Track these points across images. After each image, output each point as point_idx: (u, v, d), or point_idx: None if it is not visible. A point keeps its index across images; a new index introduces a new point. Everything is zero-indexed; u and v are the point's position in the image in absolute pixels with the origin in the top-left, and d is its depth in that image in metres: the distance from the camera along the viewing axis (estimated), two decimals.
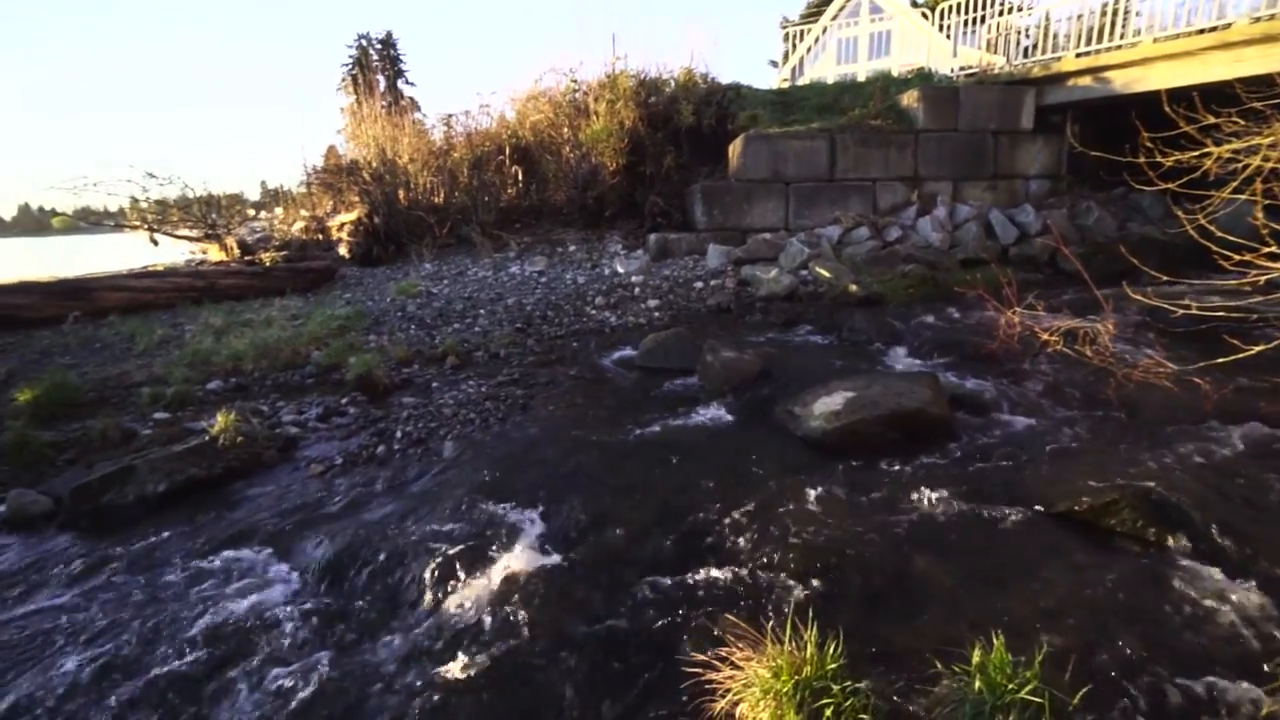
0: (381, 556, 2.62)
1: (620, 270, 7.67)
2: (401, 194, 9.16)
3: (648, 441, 3.55)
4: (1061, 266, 7.03)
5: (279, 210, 15.98)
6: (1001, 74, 9.20)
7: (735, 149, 8.65)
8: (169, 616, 2.34)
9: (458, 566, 2.50)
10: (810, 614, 1.76)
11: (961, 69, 10.20)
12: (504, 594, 2.35)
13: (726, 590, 2.29)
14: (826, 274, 6.96)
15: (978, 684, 1.47)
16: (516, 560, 2.54)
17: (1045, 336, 3.47)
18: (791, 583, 2.27)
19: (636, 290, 6.89)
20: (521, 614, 2.25)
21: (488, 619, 2.25)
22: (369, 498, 3.09)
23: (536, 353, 5.17)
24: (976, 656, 1.54)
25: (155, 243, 9.02)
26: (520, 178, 10.01)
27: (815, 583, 2.26)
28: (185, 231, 9.32)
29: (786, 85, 13.80)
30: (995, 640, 1.56)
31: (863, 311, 6.04)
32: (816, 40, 15.85)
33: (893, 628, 2.07)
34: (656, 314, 6.26)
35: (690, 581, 2.36)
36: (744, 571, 2.37)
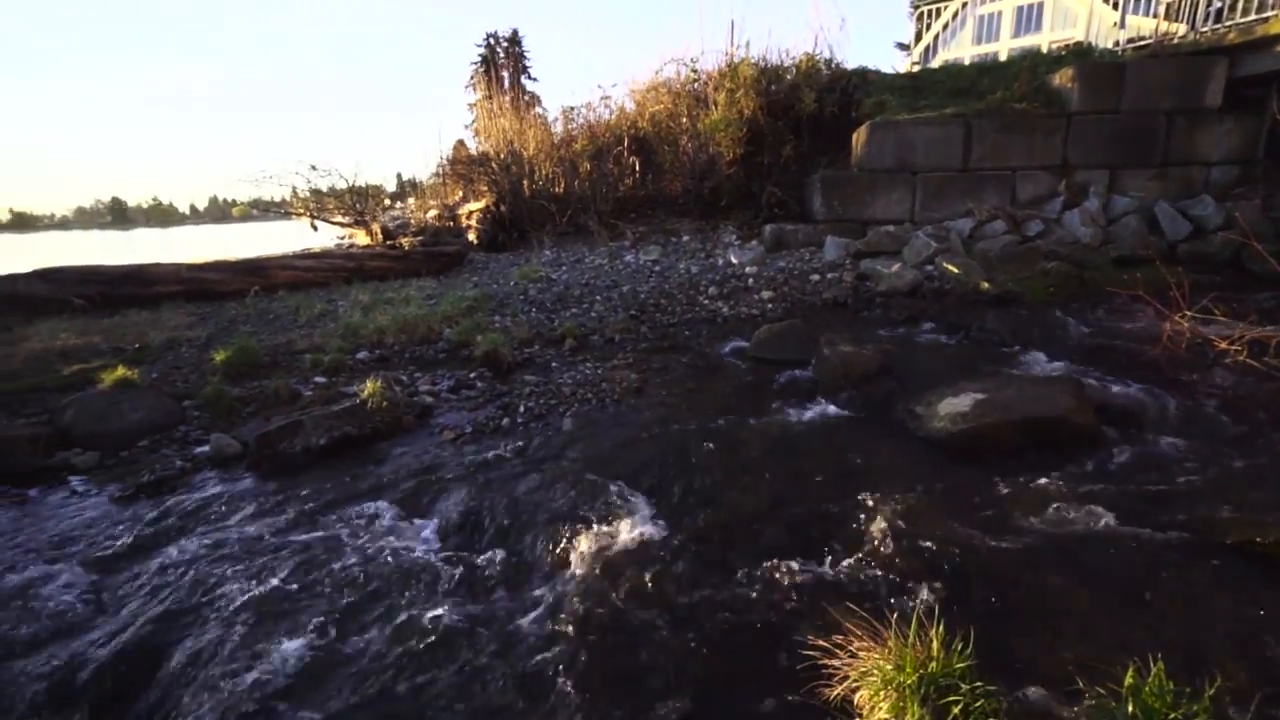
0: (507, 517, 2.83)
1: (734, 261, 7.62)
2: (526, 184, 9.65)
3: (760, 431, 3.54)
4: (1248, 267, 6.12)
5: (411, 200, 17.32)
6: (1183, 43, 8.09)
7: (859, 137, 8.29)
8: (324, 550, 2.67)
9: (575, 533, 2.64)
10: (934, 615, 1.71)
11: (1129, 41, 9.10)
12: (617, 563, 2.47)
13: (841, 582, 2.26)
14: (955, 270, 6.52)
15: (1131, 708, 1.36)
16: (629, 533, 2.65)
17: (1223, 345, 3.07)
18: (912, 583, 2.20)
19: (750, 281, 6.83)
20: (633, 583, 2.35)
21: (602, 585, 2.37)
22: (495, 464, 3.33)
23: (650, 339, 5.29)
24: (1129, 679, 1.42)
25: (315, 228, 10.14)
26: (637, 168, 10.19)
27: (938, 585, 2.17)
28: (339, 219, 10.40)
29: (917, 69, 12.98)
30: (1154, 665, 1.43)
31: (995, 311, 5.62)
32: (954, 18, 14.76)
33: (1025, 640, 1.95)
34: (770, 306, 6.18)
35: (802, 570, 2.34)
36: (860, 566, 2.32)
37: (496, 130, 10.73)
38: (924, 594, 2.13)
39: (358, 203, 10.25)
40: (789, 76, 9.90)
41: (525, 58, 36.70)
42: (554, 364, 4.77)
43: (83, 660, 2.13)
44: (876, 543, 2.44)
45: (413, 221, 10.59)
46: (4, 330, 5.90)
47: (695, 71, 10.54)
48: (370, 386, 3.98)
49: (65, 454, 3.69)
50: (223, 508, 3.10)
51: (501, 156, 9.82)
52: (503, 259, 8.74)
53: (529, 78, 35.90)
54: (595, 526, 2.68)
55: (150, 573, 2.63)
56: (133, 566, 2.69)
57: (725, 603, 2.23)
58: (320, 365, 4.86)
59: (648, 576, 2.39)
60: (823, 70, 9.94)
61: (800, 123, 9.23)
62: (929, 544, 2.40)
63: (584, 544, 2.58)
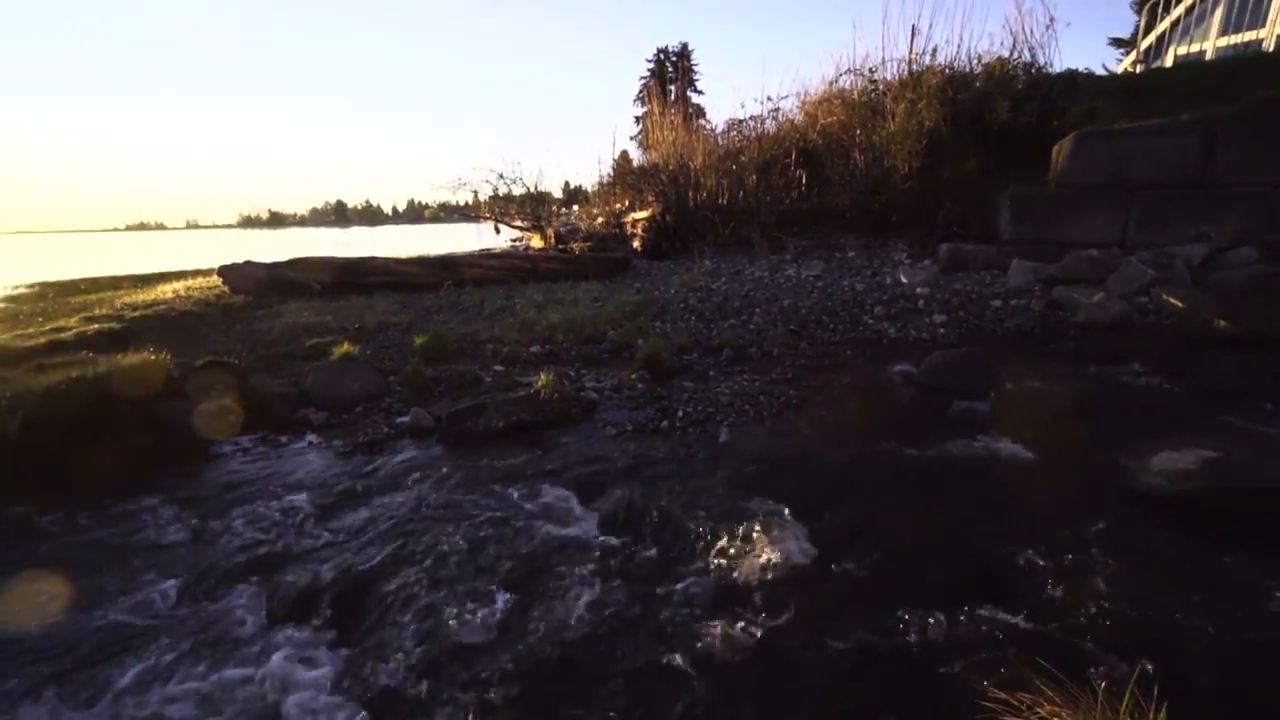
0: (662, 517, 2.94)
1: (904, 280, 7.21)
2: (691, 194, 9.89)
3: (928, 464, 3.34)
4: None
5: (575, 207, 18.42)
6: None
7: (1062, 149, 7.44)
8: (501, 520, 2.96)
9: (727, 543, 2.68)
10: (1148, 691, 1.51)
11: None
12: (766, 579, 2.46)
13: (1023, 637, 2.07)
14: (1177, 303, 5.61)
15: None
16: (781, 551, 2.63)
17: None
18: (1117, 653, 1.95)
19: (921, 303, 6.41)
20: (781, 603, 2.33)
21: (751, 597, 2.38)
22: (654, 463, 3.48)
23: (809, 356, 5.19)
24: None
25: (498, 231, 11.22)
26: (804, 181, 10.01)
27: (1151, 660, 1.91)
28: (518, 223, 11.41)
29: (1139, 69, 11.33)
30: None
31: (1229, 355, 4.75)
32: (1192, 7, 12.66)
33: None
34: (942, 330, 5.76)
35: (975, 617, 2.18)
36: (1048, 623, 2.11)
37: (666, 143, 11.12)
38: (1132, 666, 1.89)
39: (536, 209, 11.19)
40: (978, 84, 9.16)
41: (694, 71, 37.49)
42: (711, 372, 4.86)
43: (317, 575, 2.58)
44: (1071, 600, 2.20)
45: (582, 227, 11.34)
46: (267, 306, 7.27)
47: (873, 81, 10.12)
48: (543, 379, 4.34)
49: (305, 411, 4.46)
50: (418, 472, 3.56)
51: (670, 168, 10.16)
52: (665, 267, 9.03)
53: (695, 90, 36.61)
54: (747, 540, 2.70)
55: (363, 517, 3.11)
56: (351, 509, 3.19)
57: (883, 640, 2.14)
58: (499, 355, 5.38)
59: (796, 597, 2.36)
60: (1019, 75, 9.07)
61: (988, 134, 8.50)
62: (1140, 612, 2.12)
63: (734, 555, 2.62)
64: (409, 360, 5.21)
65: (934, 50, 9.71)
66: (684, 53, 37.82)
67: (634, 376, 4.81)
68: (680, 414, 4.05)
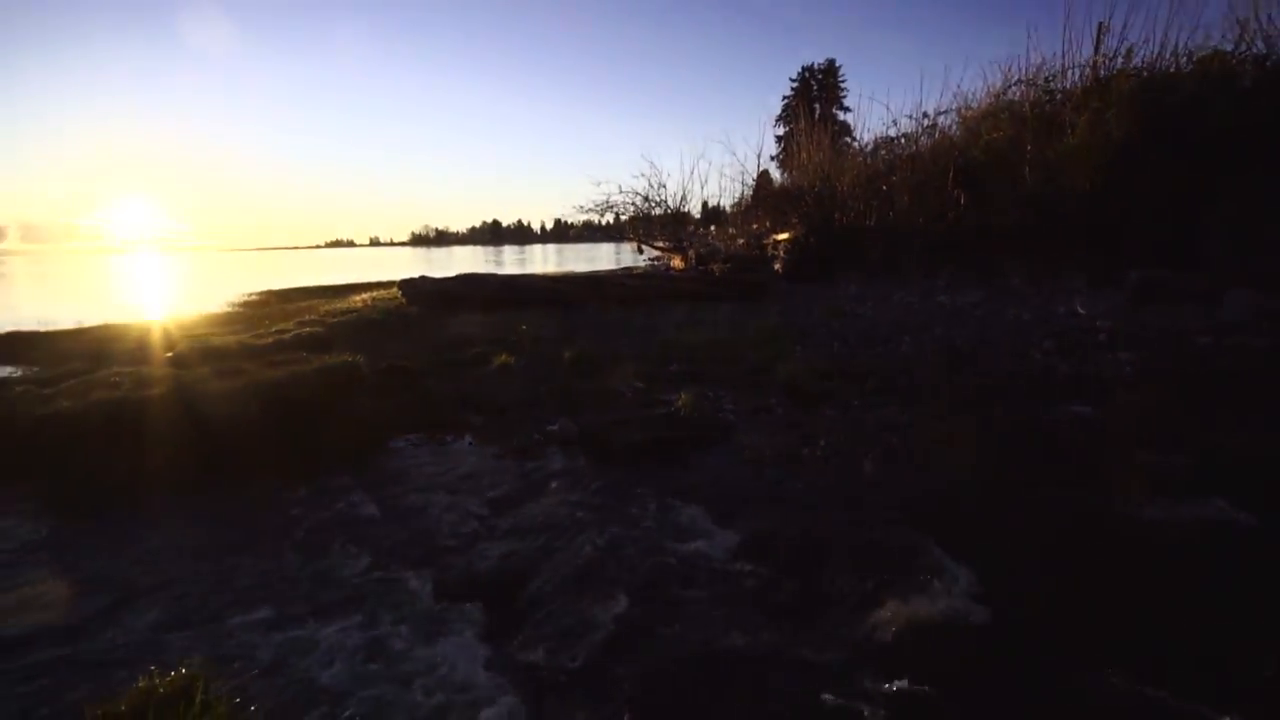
0: (802, 548, 2.89)
1: (1081, 310, 6.46)
2: (837, 216, 9.62)
3: (1113, 523, 2.96)
4: None
5: (713, 228, 18.53)
6: None
7: None
8: (640, 532, 3.07)
9: (875, 584, 2.56)
10: None
11: None
12: (923, 631, 2.31)
13: None
14: None
15: None
16: (940, 602, 2.47)
17: None
18: None
19: (1102, 336, 5.71)
20: (943, 661, 2.17)
21: (903, 650, 2.24)
22: (793, 492, 3.43)
23: (964, 390, 4.82)
24: None
25: (640, 251, 11.65)
26: (962, 201, 9.33)
27: None
28: (660, 244, 11.78)
29: None
30: None
31: None
32: None
33: None
34: (1129, 368, 5.08)
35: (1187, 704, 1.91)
36: None
37: (810, 163, 10.92)
38: None
39: (677, 230, 11.49)
40: (1186, 85, 8.01)
41: (840, 87, 36.42)
42: (855, 402, 4.68)
43: (477, 562, 2.85)
44: None
45: (722, 248, 11.44)
46: (437, 317, 8.17)
47: (1049, 92, 9.24)
48: (684, 398, 4.45)
49: (466, 414, 4.94)
50: (565, 479, 3.80)
51: (814, 189, 9.97)
52: (807, 290, 8.86)
53: (842, 108, 35.51)
54: (899, 582, 2.58)
55: (516, 515, 3.38)
56: (507, 507, 3.48)
57: (1069, 713, 1.94)
58: (641, 372, 5.59)
59: (962, 658, 2.19)
60: (1246, 71, 7.81)
61: (1196, 144, 7.39)
62: None
63: (884, 598, 2.50)
64: (558, 372, 5.58)
65: (1128, 51, 8.67)
66: (831, 69, 36.86)
67: (773, 401, 4.77)
68: (821, 443, 3.96)
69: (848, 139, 15.12)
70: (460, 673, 2.22)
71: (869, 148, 11.76)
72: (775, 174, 17.73)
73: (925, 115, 11.03)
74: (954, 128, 10.63)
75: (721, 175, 15.38)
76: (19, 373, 7.08)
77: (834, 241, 9.20)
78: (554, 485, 3.73)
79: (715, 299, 8.43)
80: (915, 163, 9.98)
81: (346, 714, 1.99)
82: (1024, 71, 9.75)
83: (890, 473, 3.54)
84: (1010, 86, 9.84)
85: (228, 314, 11.91)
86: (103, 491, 3.82)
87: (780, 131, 31.15)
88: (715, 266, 9.73)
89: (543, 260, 37.77)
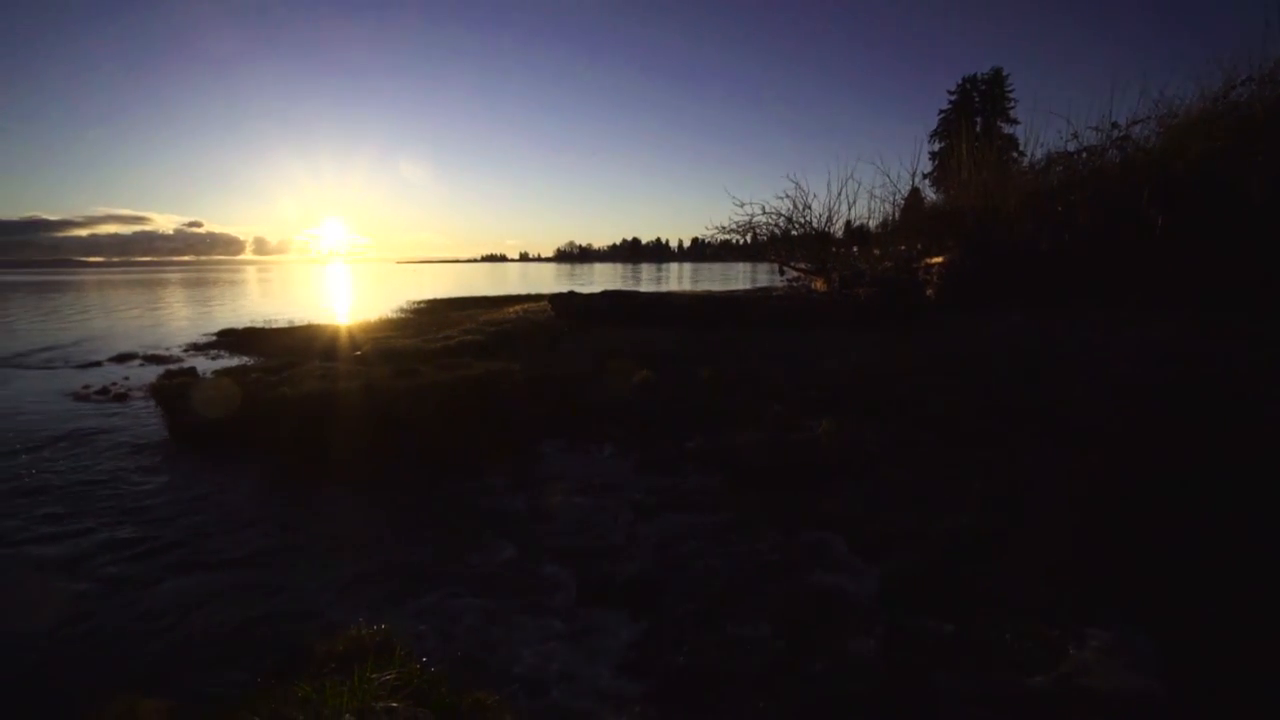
0: (952, 592, 2.71)
1: None
2: (1003, 238, 8.86)
3: None
4: None
5: (856, 249, 17.66)
6: None
7: None
8: (772, 558, 3.05)
9: (1038, 647, 2.36)
10: None
11: None
12: (1087, 697, 2.10)
13: None
14: None
15: None
16: (1111, 677, 2.21)
17: None
18: None
19: None
20: None
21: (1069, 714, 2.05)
22: (944, 534, 3.21)
23: (1166, 438, 4.21)
24: None
25: (781, 272, 11.49)
26: (1160, 223, 8.18)
27: None
28: (801, 265, 11.54)
29: None
30: None
31: None
32: None
33: None
34: None
35: None
36: None
37: (972, 183, 10.16)
38: None
39: (820, 251, 11.18)
40: None
41: (1008, 98, 33.40)
42: (1015, 444, 4.28)
43: (616, 565, 3.00)
44: None
45: (866, 271, 10.94)
46: (583, 330, 8.66)
47: None
48: (824, 425, 4.35)
49: (609, 425, 5.19)
50: (702, 496, 3.87)
51: (975, 209, 9.26)
52: (963, 319, 8.23)
53: (1008, 120, 32.55)
54: (1069, 646, 2.35)
55: (653, 525, 3.50)
56: (645, 516, 3.61)
57: None
58: (779, 394, 5.54)
59: None
60: None
61: None
62: None
63: (1053, 662, 2.30)
64: (697, 391, 5.68)
65: None
66: (997, 78, 33.91)
67: (922, 436, 4.51)
68: (975, 485, 3.67)
69: (1015, 154, 13.87)
70: (602, 671, 2.36)
71: (1040, 164, 10.71)
72: (929, 194, 16.67)
73: (1115, 126, 9.84)
74: (1152, 139, 9.37)
75: (871, 195, 14.49)
76: (251, 361, 8.58)
77: (996, 266, 8.45)
78: (691, 501, 3.81)
79: (860, 324, 8.10)
80: (1099, 180, 8.91)
81: (509, 683, 2.20)
82: (1255, 69, 8.37)
83: (1050, 524, 3.21)
84: (1235, 87, 8.49)
85: (400, 319, 13.50)
86: (311, 464, 4.54)
87: (935, 148, 29.24)
88: (861, 290, 9.34)
89: (679, 278, 38.42)
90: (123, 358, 9.69)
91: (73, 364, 9.24)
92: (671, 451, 4.56)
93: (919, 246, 11.22)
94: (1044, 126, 24.40)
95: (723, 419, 5.14)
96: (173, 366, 8.06)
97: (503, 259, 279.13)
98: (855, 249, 16.73)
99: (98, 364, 9.18)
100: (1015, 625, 2.46)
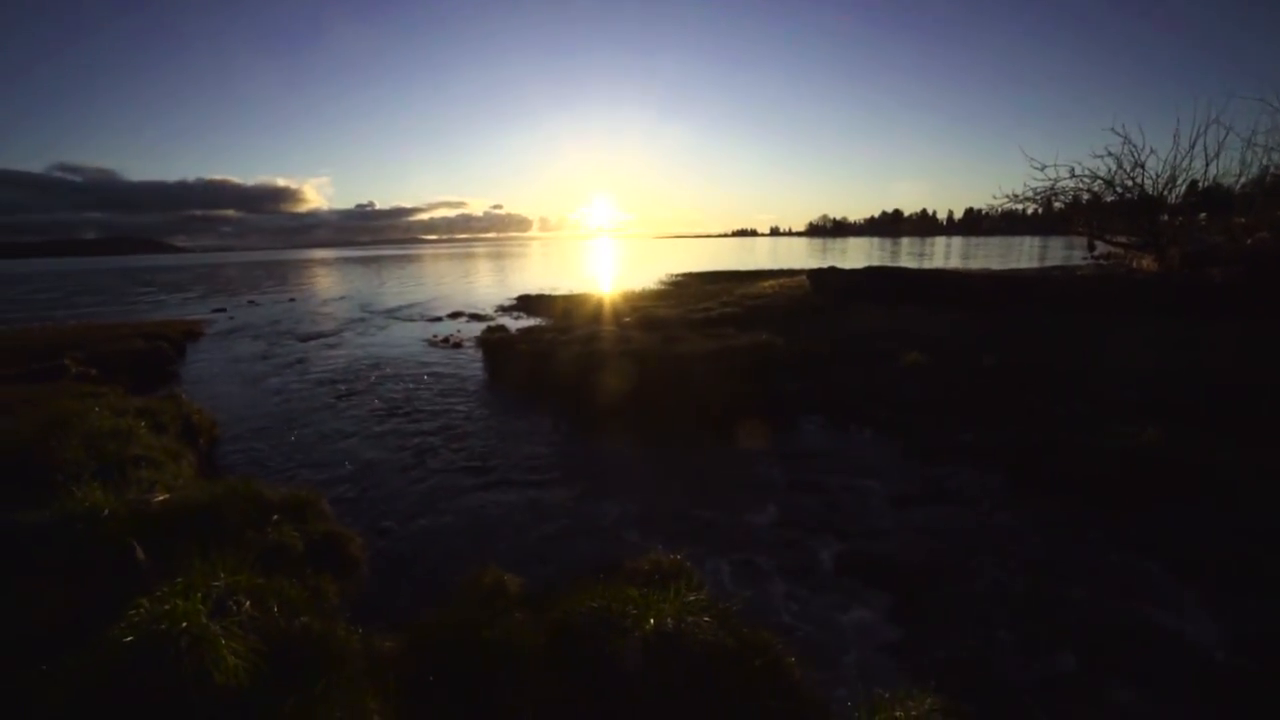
0: None
1: None
2: None
3: None
4: None
5: (1202, 216, 13.45)
6: None
7: None
8: (1063, 576, 2.69)
9: None
10: None
11: None
12: None
13: None
14: None
15: None
16: None
17: None
18: None
19: None
20: None
21: None
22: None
23: None
24: None
25: (1093, 247, 9.53)
26: None
27: None
28: (1121, 239, 9.40)
29: None
30: None
31: None
32: None
33: None
34: None
35: None
36: None
37: None
38: None
39: (1150, 220, 8.92)
40: None
41: None
42: None
43: (879, 548, 2.95)
44: None
45: (1224, 244, 8.36)
46: (842, 309, 8.38)
47: None
48: (1150, 433, 3.63)
49: (871, 407, 5.00)
50: (978, 494, 3.55)
51: None
52: None
53: None
54: None
55: (916, 515, 3.33)
56: (911, 507, 3.45)
57: None
58: (1083, 392, 4.73)
59: None
60: None
61: None
62: None
63: None
64: (974, 379, 5.15)
65: None
66: None
67: None
68: None
69: None
70: (866, 641, 2.40)
71: None
72: None
73: None
74: None
75: (1249, 144, 10.35)
76: (542, 322, 10.18)
77: None
78: (964, 496, 3.54)
79: (1208, 313, 6.36)
80: None
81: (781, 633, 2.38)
82: None
83: None
84: None
85: (659, 290, 14.55)
86: (592, 413, 5.29)
87: None
88: (1216, 271, 7.26)
89: (945, 255, 34.28)
90: (455, 314, 12.62)
91: (426, 317, 12.38)
92: (942, 442, 4.25)
93: None
94: None
95: (1008, 413, 4.59)
96: (490, 323, 10.13)
97: (753, 234, 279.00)
98: (1202, 216, 12.96)
99: (439, 319, 12.02)
100: None
